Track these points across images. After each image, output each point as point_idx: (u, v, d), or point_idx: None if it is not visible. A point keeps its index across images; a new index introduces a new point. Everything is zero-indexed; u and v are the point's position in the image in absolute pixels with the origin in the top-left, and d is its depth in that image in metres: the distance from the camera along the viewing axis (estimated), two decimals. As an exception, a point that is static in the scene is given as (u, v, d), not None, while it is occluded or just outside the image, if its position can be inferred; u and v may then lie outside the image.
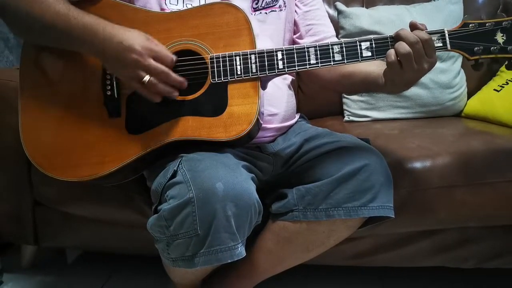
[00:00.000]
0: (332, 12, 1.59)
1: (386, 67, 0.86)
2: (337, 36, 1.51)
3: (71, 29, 0.84)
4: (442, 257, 1.16)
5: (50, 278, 1.33)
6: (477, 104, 1.47)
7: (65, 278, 1.33)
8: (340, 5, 1.56)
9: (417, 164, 1.08)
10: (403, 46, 0.81)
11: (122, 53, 0.82)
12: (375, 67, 0.96)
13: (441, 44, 0.84)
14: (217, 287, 1.06)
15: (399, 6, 1.57)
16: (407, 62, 0.82)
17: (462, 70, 1.51)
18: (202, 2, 0.96)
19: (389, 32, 1.46)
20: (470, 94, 1.52)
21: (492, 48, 0.84)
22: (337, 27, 1.53)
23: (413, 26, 0.84)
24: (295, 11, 1.11)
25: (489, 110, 1.41)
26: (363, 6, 1.61)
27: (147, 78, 0.83)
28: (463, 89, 1.51)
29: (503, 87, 1.42)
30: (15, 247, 1.38)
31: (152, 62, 0.83)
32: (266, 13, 1.03)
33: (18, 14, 0.86)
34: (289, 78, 1.11)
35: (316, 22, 1.11)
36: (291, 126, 1.09)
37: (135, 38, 0.83)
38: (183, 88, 0.87)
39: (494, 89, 1.44)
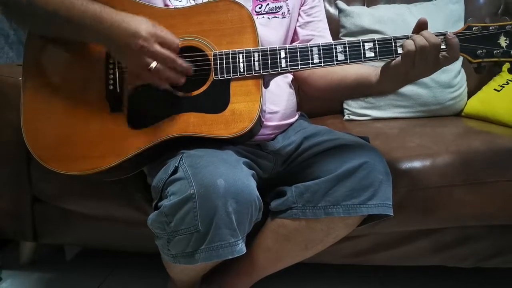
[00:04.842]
0: (333, 10, 1.59)
1: (380, 67, 0.88)
2: (338, 35, 1.52)
3: (76, 17, 0.83)
4: (441, 256, 1.16)
5: (49, 274, 1.33)
6: (477, 103, 1.47)
7: (64, 274, 1.33)
8: (341, 4, 1.56)
9: (417, 163, 1.08)
10: (421, 39, 0.82)
11: (128, 39, 0.81)
12: (366, 68, 0.96)
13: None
14: (217, 284, 1.07)
15: (400, 5, 1.57)
16: (423, 55, 0.82)
17: (462, 70, 1.51)
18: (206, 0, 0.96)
19: (389, 30, 1.46)
20: (471, 93, 1.52)
21: (495, 51, 0.84)
22: (338, 26, 1.53)
23: (422, 24, 0.84)
24: (297, 19, 1.10)
25: (489, 110, 1.41)
26: (364, 5, 1.61)
27: (154, 64, 0.82)
28: (464, 88, 1.51)
29: (503, 87, 1.42)
30: (14, 244, 1.38)
31: (158, 48, 0.82)
32: (268, 18, 1.03)
33: (20, 2, 0.85)
34: (289, 76, 1.10)
35: (317, 33, 1.11)
36: (291, 124, 1.09)
37: (141, 24, 0.82)
38: (189, 75, 0.87)
39: (495, 89, 1.44)
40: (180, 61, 0.85)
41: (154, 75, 0.84)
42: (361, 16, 1.51)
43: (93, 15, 0.83)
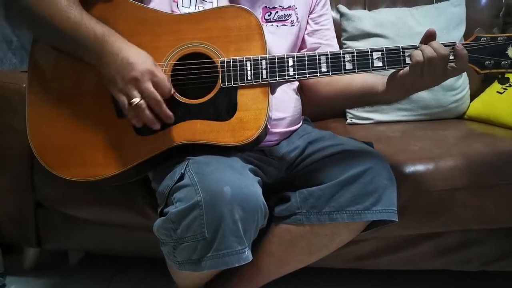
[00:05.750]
0: (335, 14, 1.58)
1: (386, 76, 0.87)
2: (339, 39, 1.52)
3: (81, 37, 0.83)
4: (445, 260, 1.16)
5: (53, 280, 1.33)
6: (480, 106, 1.47)
7: (68, 280, 1.33)
8: (343, 8, 1.56)
9: (420, 167, 1.08)
10: (430, 50, 0.82)
11: (124, 69, 0.81)
12: (372, 77, 0.96)
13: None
14: (220, 289, 1.07)
15: (401, 9, 1.57)
16: (431, 65, 0.82)
17: (465, 72, 1.51)
18: (215, 6, 0.95)
19: (391, 34, 1.45)
20: (473, 96, 1.52)
21: (502, 63, 0.84)
22: (340, 30, 1.53)
23: (431, 35, 0.84)
24: (305, 27, 1.10)
25: (492, 112, 1.41)
26: (365, 9, 1.61)
27: (137, 100, 0.81)
28: (466, 91, 1.51)
29: (506, 89, 1.41)
30: (18, 249, 1.38)
31: (149, 85, 0.81)
32: (277, 25, 1.02)
33: (27, 10, 0.85)
34: (295, 82, 1.10)
35: (324, 42, 1.11)
36: (295, 130, 1.09)
37: (142, 61, 0.82)
38: (168, 123, 0.86)
39: (497, 91, 1.43)
40: (164, 107, 0.83)
41: (133, 110, 0.82)
42: (362, 20, 1.51)
43: (99, 39, 0.83)
